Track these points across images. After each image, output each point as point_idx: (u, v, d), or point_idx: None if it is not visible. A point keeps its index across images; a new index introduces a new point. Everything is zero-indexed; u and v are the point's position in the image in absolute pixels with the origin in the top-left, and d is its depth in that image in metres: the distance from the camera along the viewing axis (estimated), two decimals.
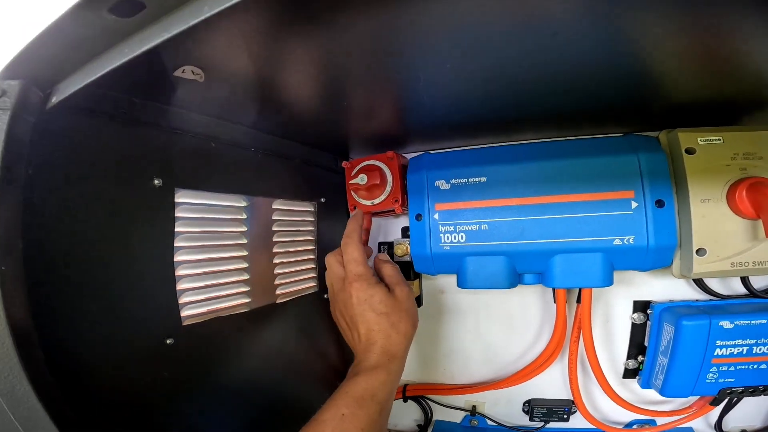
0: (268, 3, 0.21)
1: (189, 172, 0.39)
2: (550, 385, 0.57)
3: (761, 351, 0.44)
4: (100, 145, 0.31)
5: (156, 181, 0.36)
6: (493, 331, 0.58)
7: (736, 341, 0.43)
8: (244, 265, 0.45)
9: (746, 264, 0.41)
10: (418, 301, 0.59)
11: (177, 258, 0.37)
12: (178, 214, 0.38)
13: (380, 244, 0.58)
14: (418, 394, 0.62)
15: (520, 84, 0.38)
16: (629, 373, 0.53)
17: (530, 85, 0.38)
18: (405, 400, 0.62)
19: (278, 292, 0.50)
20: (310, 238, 0.56)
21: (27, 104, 0.24)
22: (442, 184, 0.48)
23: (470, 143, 0.57)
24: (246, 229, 0.45)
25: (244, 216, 0.45)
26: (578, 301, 0.48)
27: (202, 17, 0.17)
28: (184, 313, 0.38)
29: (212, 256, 0.42)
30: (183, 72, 0.31)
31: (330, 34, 0.28)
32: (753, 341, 0.43)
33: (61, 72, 0.24)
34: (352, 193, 0.54)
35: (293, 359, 0.53)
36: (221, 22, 0.21)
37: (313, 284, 0.56)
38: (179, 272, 0.38)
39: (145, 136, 0.35)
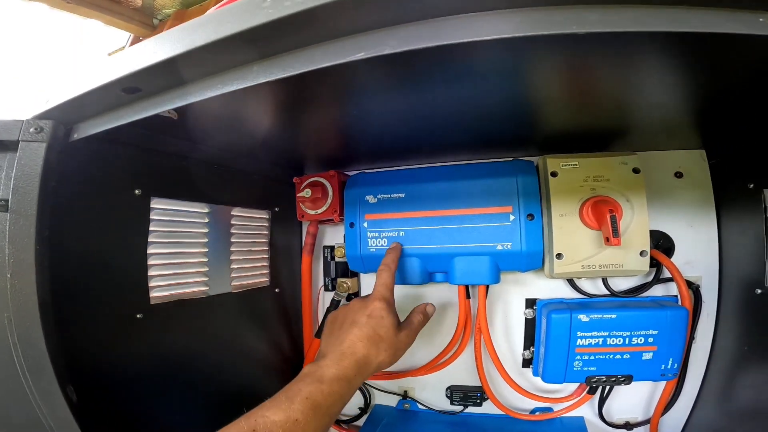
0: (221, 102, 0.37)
1: (163, 184, 0.54)
2: (466, 372, 0.71)
3: (614, 342, 0.58)
4: (98, 163, 0.46)
5: (137, 191, 0.51)
6: None
7: (593, 333, 0.58)
8: (205, 259, 0.60)
9: (593, 266, 0.56)
10: (356, 296, 0.74)
11: (150, 250, 0.52)
12: (152, 217, 0.53)
13: (325, 247, 0.74)
14: None
15: (439, 124, 0.53)
16: (526, 363, 0.68)
17: (446, 124, 0.53)
18: None
19: (234, 283, 0.65)
20: (264, 240, 0.71)
21: (56, 138, 0.39)
22: (370, 199, 0.64)
23: (401, 164, 0.73)
24: (208, 230, 0.61)
25: (207, 220, 0.61)
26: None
27: (177, 105, 0.33)
28: (152, 294, 0.52)
29: (178, 251, 0.57)
30: (161, 112, 0.46)
31: (289, 106, 0.44)
32: (606, 333, 0.57)
33: (80, 117, 0.40)
34: (300, 204, 0.69)
35: (246, 340, 0.68)
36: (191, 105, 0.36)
37: (265, 279, 0.71)
38: (151, 261, 0.52)
39: (130, 155, 0.50)
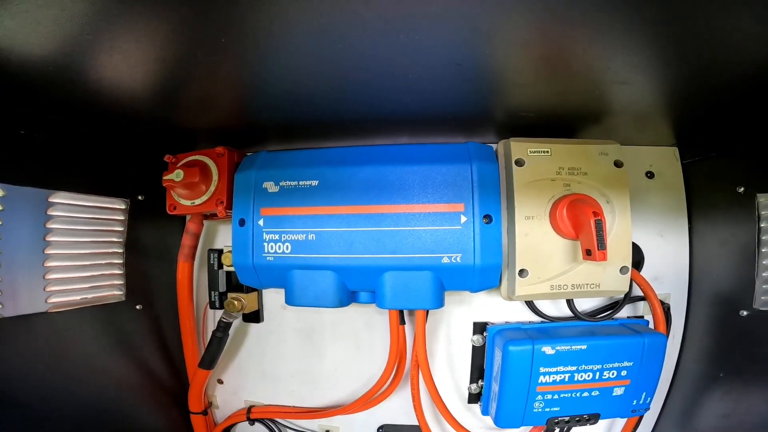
0: None
1: None
2: (401, 409, 0.52)
3: (582, 378, 0.42)
4: None
5: None
6: (339, 351, 0.52)
7: (558, 368, 0.42)
8: None
9: (565, 287, 0.39)
10: (257, 316, 0.51)
11: None
12: None
13: (210, 251, 0.50)
14: (265, 417, 0.54)
15: (370, 82, 0.34)
16: (473, 398, 0.50)
17: (381, 84, 0.34)
18: (252, 423, 0.54)
19: (53, 300, 0.39)
20: (115, 239, 0.45)
21: None
22: (270, 186, 0.41)
23: (326, 145, 0.51)
24: (0, 223, 0.35)
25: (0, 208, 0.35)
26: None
27: None
28: None
29: None
30: None
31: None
32: (574, 368, 0.42)
33: None
34: (171, 191, 0.45)
35: (91, 376, 0.43)
36: None
37: (117, 292, 0.46)
38: None
39: None
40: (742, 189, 0.43)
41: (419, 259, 0.39)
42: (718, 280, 0.46)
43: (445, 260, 0.39)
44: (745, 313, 0.43)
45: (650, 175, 0.49)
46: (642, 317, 0.49)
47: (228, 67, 0.32)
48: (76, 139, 0.42)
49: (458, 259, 0.39)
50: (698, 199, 0.48)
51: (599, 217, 0.35)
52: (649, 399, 0.44)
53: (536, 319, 0.47)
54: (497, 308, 0.49)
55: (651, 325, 0.47)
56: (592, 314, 0.47)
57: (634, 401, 0.44)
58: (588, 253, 0.36)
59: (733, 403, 0.44)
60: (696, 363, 0.49)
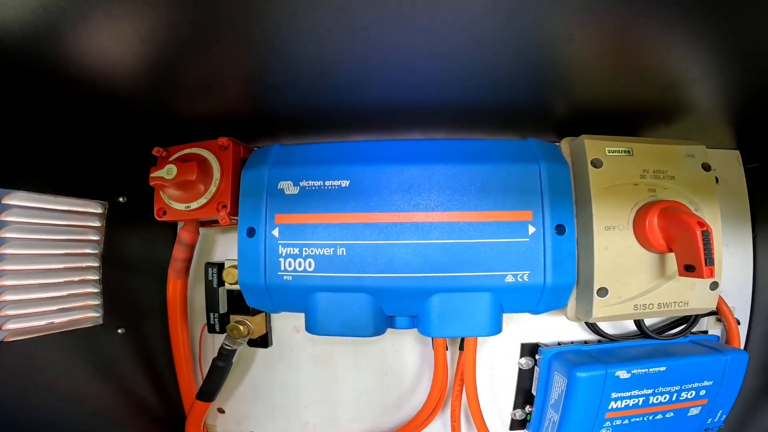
0: None
1: None
2: None
3: (657, 401, 0.36)
4: None
5: None
6: (363, 378, 0.44)
7: (632, 392, 0.35)
8: None
9: (650, 306, 0.32)
10: (265, 341, 0.42)
11: None
12: None
13: (207, 265, 0.40)
14: None
15: (408, 66, 0.26)
16: (516, 425, 0.43)
17: (420, 68, 0.27)
18: None
19: (9, 326, 0.30)
20: (89, 251, 0.35)
21: None
22: (287, 187, 0.32)
23: (347, 138, 0.42)
24: None
25: None
26: (461, 348, 0.36)
27: None
28: None
29: None
30: None
31: None
32: (650, 391, 0.36)
33: None
34: (160, 191, 0.35)
35: (54, 414, 0.33)
36: None
37: (93, 314, 0.36)
38: None
39: None
40: None
41: (477, 279, 0.31)
42: None
43: (510, 279, 0.30)
44: None
45: (716, 179, 0.42)
46: (706, 332, 0.42)
47: (243, 40, 0.23)
48: (42, 128, 0.31)
49: (525, 277, 0.30)
50: (763, 207, 0.42)
51: (706, 228, 0.28)
52: (724, 416, 0.39)
53: (591, 337, 0.40)
54: (545, 327, 0.41)
55: (721, 341, 0.41)
56: (658, 332, 0.40)
57: (709, 420, 0.39)
58: (687, 269, 0.29)
59: None
60: (756, 377, 0.43)
